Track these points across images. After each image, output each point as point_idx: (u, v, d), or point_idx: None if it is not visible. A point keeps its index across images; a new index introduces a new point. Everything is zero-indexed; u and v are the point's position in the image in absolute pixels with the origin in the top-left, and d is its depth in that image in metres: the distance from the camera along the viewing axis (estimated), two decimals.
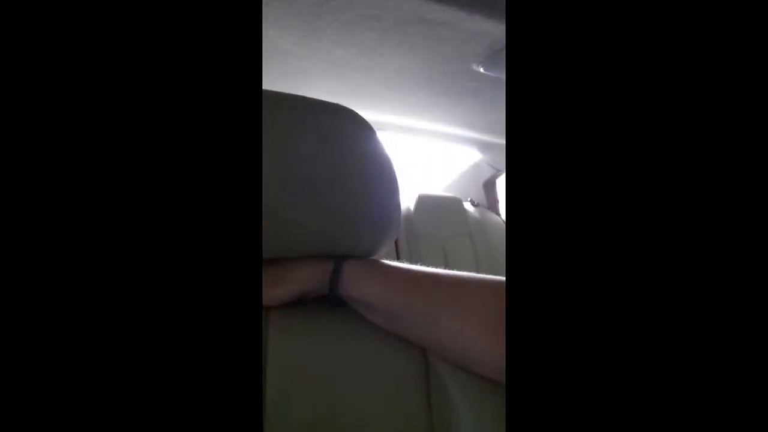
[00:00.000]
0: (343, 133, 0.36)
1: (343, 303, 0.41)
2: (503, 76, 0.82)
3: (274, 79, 0.88)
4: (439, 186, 1.82)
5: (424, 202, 1.46)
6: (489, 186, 1.67)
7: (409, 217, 1.42)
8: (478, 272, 1.23)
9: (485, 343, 0.32)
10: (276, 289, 0.38)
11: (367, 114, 1.09)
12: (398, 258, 1.38)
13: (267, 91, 0.35)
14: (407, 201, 1.46)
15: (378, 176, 0.38)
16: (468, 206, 1.60)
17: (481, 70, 0.80)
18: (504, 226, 1.59)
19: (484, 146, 1.46)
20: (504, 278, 0.35)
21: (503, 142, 1.35)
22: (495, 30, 0.67)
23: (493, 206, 1.68)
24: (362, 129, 0.38)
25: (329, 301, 0.39)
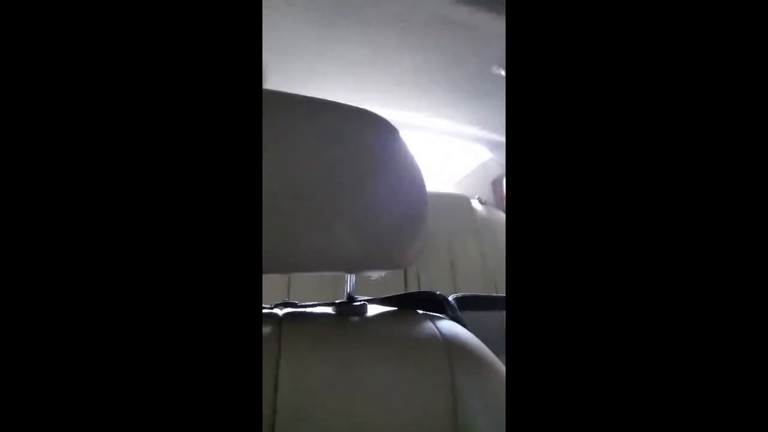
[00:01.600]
0: (366, 136, 0.35)
1: (363, 312, 0.39)
2: None
3: (288, 78, 0.85)
4: (446, 184, 1.81)
5: (431, 199, 1.44)
6: (497, 184, 1.66)
7: None
8: (483, 270, 1.22)
9: None
10: None
11: (379, 112, 1.08)
12: None
13: (289, 94, 0.33)
14: None
15: (406, 186, 0.36)
16: (475, 204, 1.59)
17: (502, 72, 0.78)
18: None
19: (494, 145, 1.45)
20: None
21: None
22: None
23: (500, 204, 1.67)
24: (387, 132, 0.36)
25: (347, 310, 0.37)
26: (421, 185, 0.37)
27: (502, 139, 1.36)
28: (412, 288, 1.24)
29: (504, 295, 0.74)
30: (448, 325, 0.40)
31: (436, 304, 0.46)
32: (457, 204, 1.49)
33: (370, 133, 0.35)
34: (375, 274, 0.42)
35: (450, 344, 0.36)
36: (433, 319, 0.41)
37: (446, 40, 0.69)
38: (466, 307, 0.60)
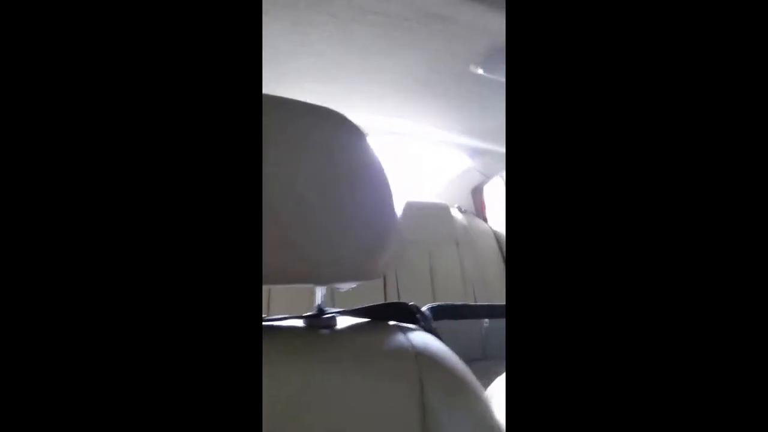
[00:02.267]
0: (331, 139, 0.32)
1: (332, 324, 0.38)
2: (503, 79, 0.78)
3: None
4: (430, 193, 1.80)
5: (411, 208, 1.44)
6: (477, 193, 1.67)
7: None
8: (462, 278, 1.21)
9: None
10: None
11: (358, 117, 1.07)
12: None
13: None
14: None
15: (372, 193, 0.34)
16: (455, 213, 1.59)
17: (480, 71, 0.76)
18: (491, 233, 1.60)
19: (474, 152, 1.45)
20: None
21: (495, 148, 1.33)
22: (497, 27, 0.64)
23: (480, 212, 1.68)
24: (353, 135, 0.34)
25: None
26: (388, 193, 0.35)
27: (484, 146, 1.36)
28: (392, 298, 1.22)
29: (481, 304, 0.72)
30: (419, 336, 0.38)
31: (407, 314, 0.45)
32: (437, 213, 1.49)
33: (332, 134, 0.33)
34: (344, 286, 0.40)
35: (420, 355, 0.35)
36: (404, 330, 0.39)
37: (426, 36, 0.67)
38: (442, 317, 0.58)
